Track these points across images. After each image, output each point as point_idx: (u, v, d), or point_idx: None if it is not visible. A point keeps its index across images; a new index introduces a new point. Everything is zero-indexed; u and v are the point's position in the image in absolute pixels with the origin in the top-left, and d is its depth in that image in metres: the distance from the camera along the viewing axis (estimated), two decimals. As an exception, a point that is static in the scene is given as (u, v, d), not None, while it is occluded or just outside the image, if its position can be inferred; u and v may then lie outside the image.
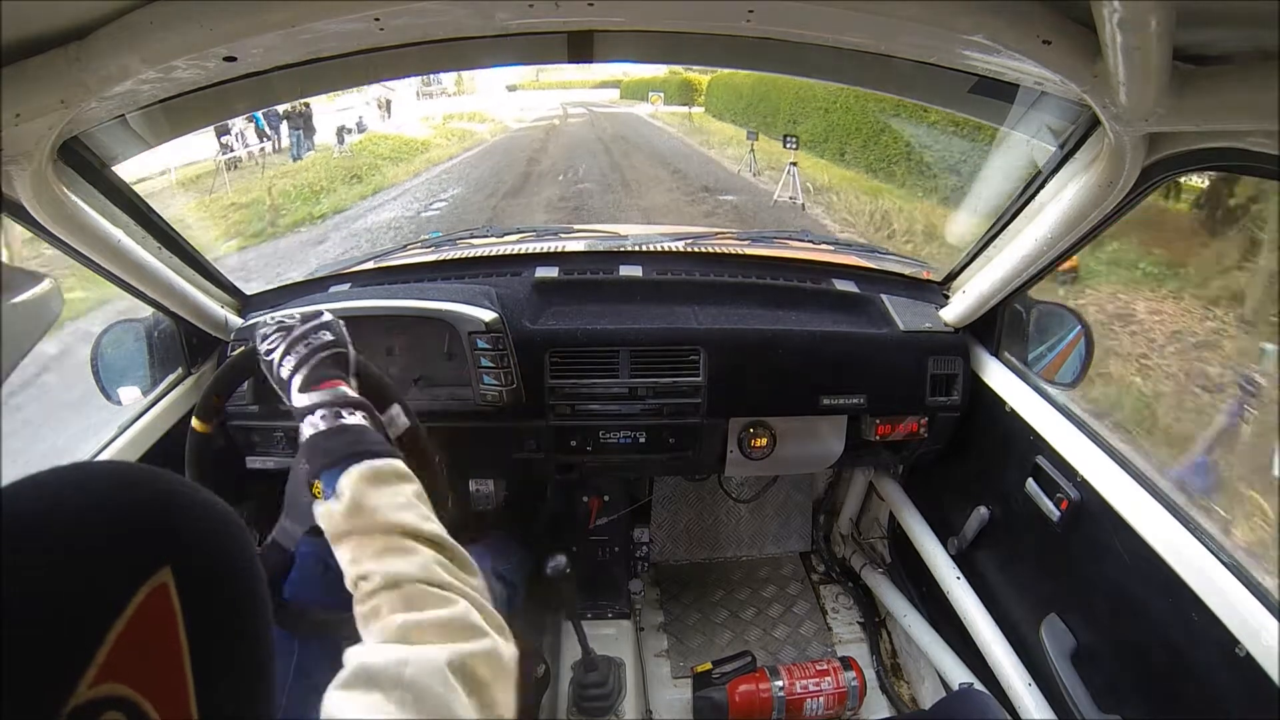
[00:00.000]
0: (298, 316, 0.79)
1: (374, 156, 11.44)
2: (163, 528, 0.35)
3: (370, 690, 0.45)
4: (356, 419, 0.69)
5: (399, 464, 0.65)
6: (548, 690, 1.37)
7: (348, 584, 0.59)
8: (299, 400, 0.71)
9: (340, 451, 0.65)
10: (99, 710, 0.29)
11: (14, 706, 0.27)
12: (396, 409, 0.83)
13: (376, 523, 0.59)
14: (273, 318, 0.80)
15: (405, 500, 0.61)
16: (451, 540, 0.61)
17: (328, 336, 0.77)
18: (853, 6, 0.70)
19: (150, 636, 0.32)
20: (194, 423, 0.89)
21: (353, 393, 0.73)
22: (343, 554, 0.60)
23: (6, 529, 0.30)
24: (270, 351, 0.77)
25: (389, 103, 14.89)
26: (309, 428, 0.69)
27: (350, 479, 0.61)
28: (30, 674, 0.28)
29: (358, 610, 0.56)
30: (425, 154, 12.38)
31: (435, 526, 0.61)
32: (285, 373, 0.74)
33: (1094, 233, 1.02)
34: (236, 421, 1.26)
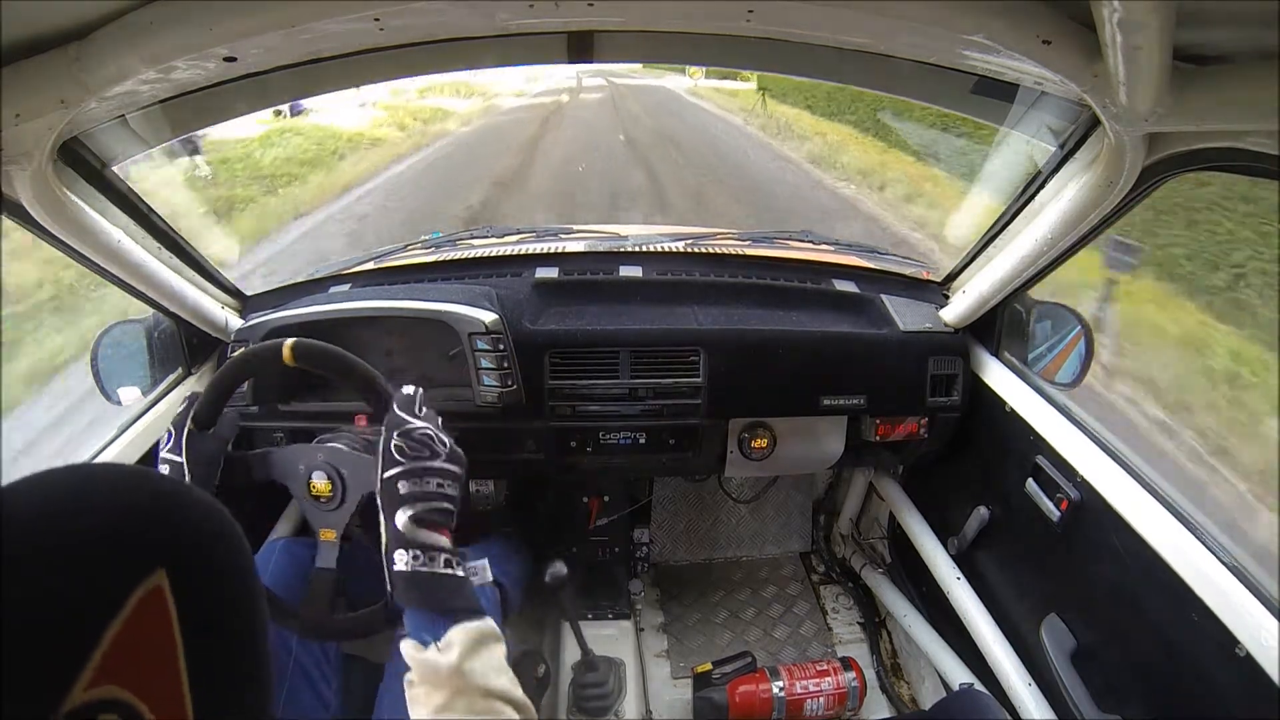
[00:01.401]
0: (446, 447, 0.77)
1: (248, 174, 6.33)
2: (158, 530, 0.35)
3: None
4: (459, 572, 0.72)
5: (495, 627, 0.70)
6: (548, 690, 1.36)
7: None
8: (404, 527, 0.71)
9: (446, 601, 0.69)
10: (94, 713, 0.29)
11: (9, 709, 0.27)
12: (484, 563, 0.87)
13: (477, 685, 0.64)
14: (425, 427, 0.77)
15: (500, 664, 0.67)
16: (527, 701, 0.66)
17: (455, 492, 0.76)
18: (853, 6, 0.70)
19: (146, 638, 0.32)
20: (190, 424, 0.89)
21: (451, 546, 0.74)
22: (428, 697, 0.64)
23: (2, 531, 0.30)
24: (402, 454, 0.74)
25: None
26: (407, 559, 0.70)
27: (460, 635, 0.66)
28: (25, 676, 0.28)
29: None
30: (333, 168, 7.27)
31: (519, 692, 0.66)
32: (402, 490, 0.72)
33: (1094, 233, 1.02)
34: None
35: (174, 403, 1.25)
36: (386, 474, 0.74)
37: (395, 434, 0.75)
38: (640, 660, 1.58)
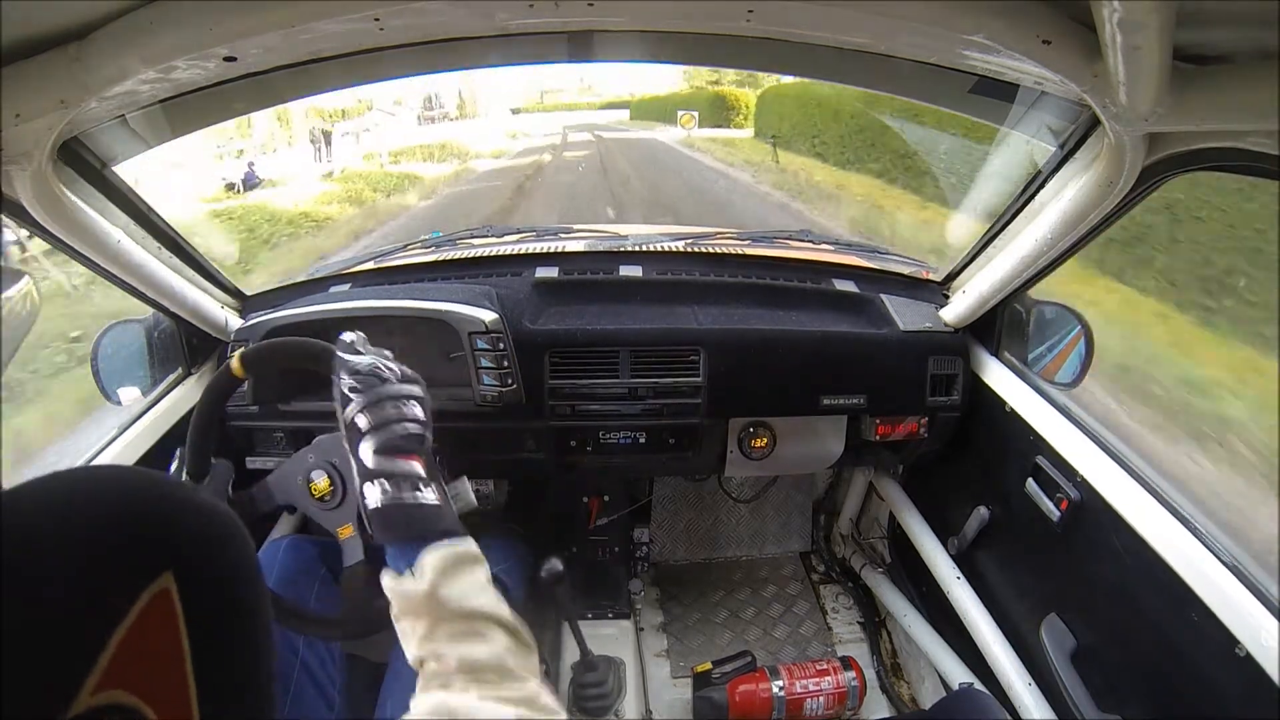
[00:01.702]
0: (396, 372, 0.76)
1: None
2: (164, 533, 0.35)
3: None
4: (430, 496, 0.69)
5: (474, 547, 0.67)
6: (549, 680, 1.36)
7: (410, 658, 0.61)
8: (370, 460, 0.69)
9: (418, 528, 0.66)
10: (101, 717, 0.29)
11: (16, 713, 0.27)
12: (464, 484, 0.84)
13: (455, 608, 0.61)
14: (371, 359, 0.76)
15: (482, 584, 0.64)
16: (517, 622, 0.63)
17: (418, 412, 0.74)
18: (853, 6, 0.70)
19: (152, 642, 0.32)
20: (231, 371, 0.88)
21: (424, 471, 0.71)
22: (413, 628, 0.62)
23: (7, 534, 0.30)
24: (354, 390, 0.73)
25: (326, 136, 10.20)
26: (377, 493, 0.67)
27: (433, 559, 0.62)
28: (32, 681, 0.28)
29: (421, 682, 0.58)
30: (255, 262, 5.72)
31: (507, 610, 0.63)
32: (361, 424, 0.71)
33: (1094, 233, 1.02)
34: (236, 422, 1.26)
35: (175, 402, 1.25)
36: (345, 414, 0.72)
37: (342, 374, 0.74)
38: (640, 660, 1.58)
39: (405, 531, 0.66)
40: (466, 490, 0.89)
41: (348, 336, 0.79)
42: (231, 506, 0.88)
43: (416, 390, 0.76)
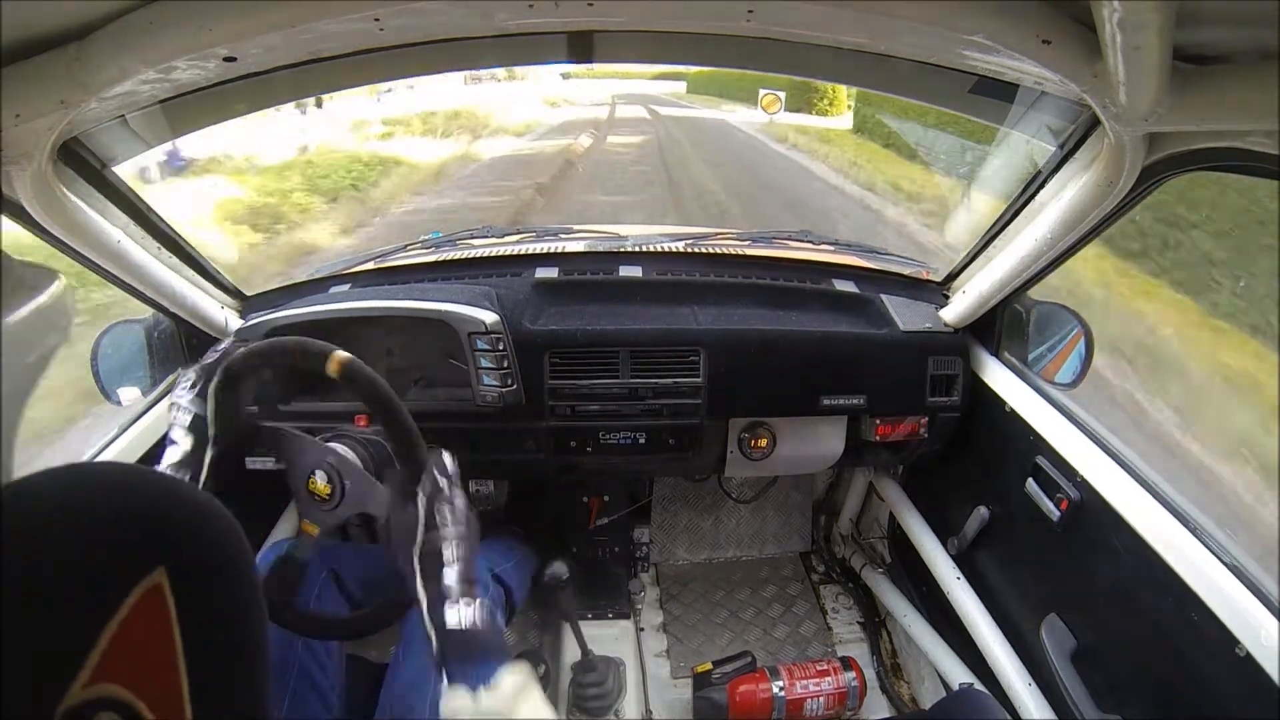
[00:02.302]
0: (473, 520, 0.79)
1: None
2: (157, 528, 0.35)
3: None
4: (496, 628, 0.75)
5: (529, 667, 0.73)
6: (548, 690, 1.37)
7: None
8: (456, 589, 0.74)
9: (487, 651, 0.71)
10: (93, 711, 0.29)
11: (7, 707, 0.27)
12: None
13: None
14: (462, 501, 0.79)
15: (544, 705, 0.69)
16: None
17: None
18: (852, 6, 0.70)
19: (144, 637, 0.32)
20: (220, 375, 0.87)
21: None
22: None
23: (1, 530, 0.30)
24: (445, 524, 0.77)
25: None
26: (459, 615, 0.72)
27: (511, 680, 0.68)
28: (23, 675, 0.28)
29: None
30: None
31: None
32: (449, 557, 0.75)
33: (1094, 233, 1.02)
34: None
35: None
36: (428, 536, 0.76)
37: (438, 501, 0.78)
38: (640, 660, 1.58)
39: (478, 654, 0.71)
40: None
41: (447, 457, 0.81)
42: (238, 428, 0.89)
43: (478, 530, 0.80)
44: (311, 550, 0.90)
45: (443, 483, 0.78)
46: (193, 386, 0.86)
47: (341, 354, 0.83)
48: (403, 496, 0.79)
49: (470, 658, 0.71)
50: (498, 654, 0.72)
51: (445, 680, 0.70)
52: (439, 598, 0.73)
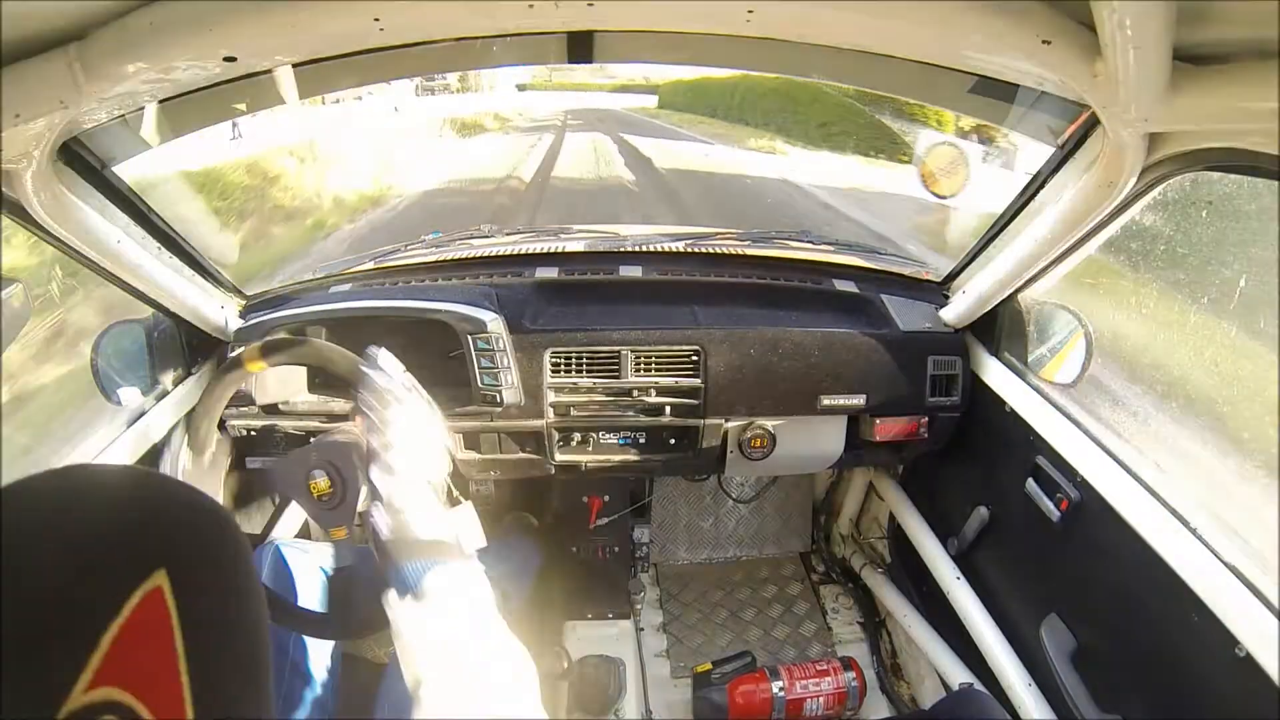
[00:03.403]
0: (419, 398, 0.79)
1: None
2: (158, 530, 0.35)
3: None
4: (438, 526, 0.72)
5: (478, 571, 0.70)
6: (548, 690, 1.36)
7: (408, 678, 0.62)
8: (383, 484, 0.71)
9: (423, 553, 0.68)
10: (94, 715, 0.29)
11: (8, 711, 0.27)
12: (470, 511, 0.85)
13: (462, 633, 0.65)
14: (397, 382, 0.78)
15: (486, 608, 0.68)
16: (520, 648, 0.68)
17: (436, 441, 0.78)
18: (852, 7, 0.70)
19: (145, 640, 0.31)
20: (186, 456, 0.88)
21: (434, 498, 0.75)
22: (414, 648, 0.63)
23: (1, 532, 0.30)
24: (374, 412, 0.75)
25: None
26: (386, 518, 0.69)
27: (435, 582, 0.65)
28: (24, 679, 0.28)
29: (421, 703, 0.60)
30: None
31: (507, 635, 0.68)
32: (379, 445, 0.73)
33: (1094, 233, 1.02)
34: (236, 422, 1.26)
35: (175, 402, 1.25)
36: (364, 433, 0.75)
37: (369, 394, 0.76)
38: (640, 660, 1.58)
39: (412, 556, 0.67)
40: (475, 526, 0.90)
41: (374, 351, 0.80)
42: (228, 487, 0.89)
43: (438, 422, 0.78)
44: (350, 554, 0.90)
45: (376, 377, 0.77)
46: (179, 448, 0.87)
47: (250, 348, 0.84)
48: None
49: (400, 560, 0.67)
50: (431, 555, 0.67)
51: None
52: (375, 495, 0.71)
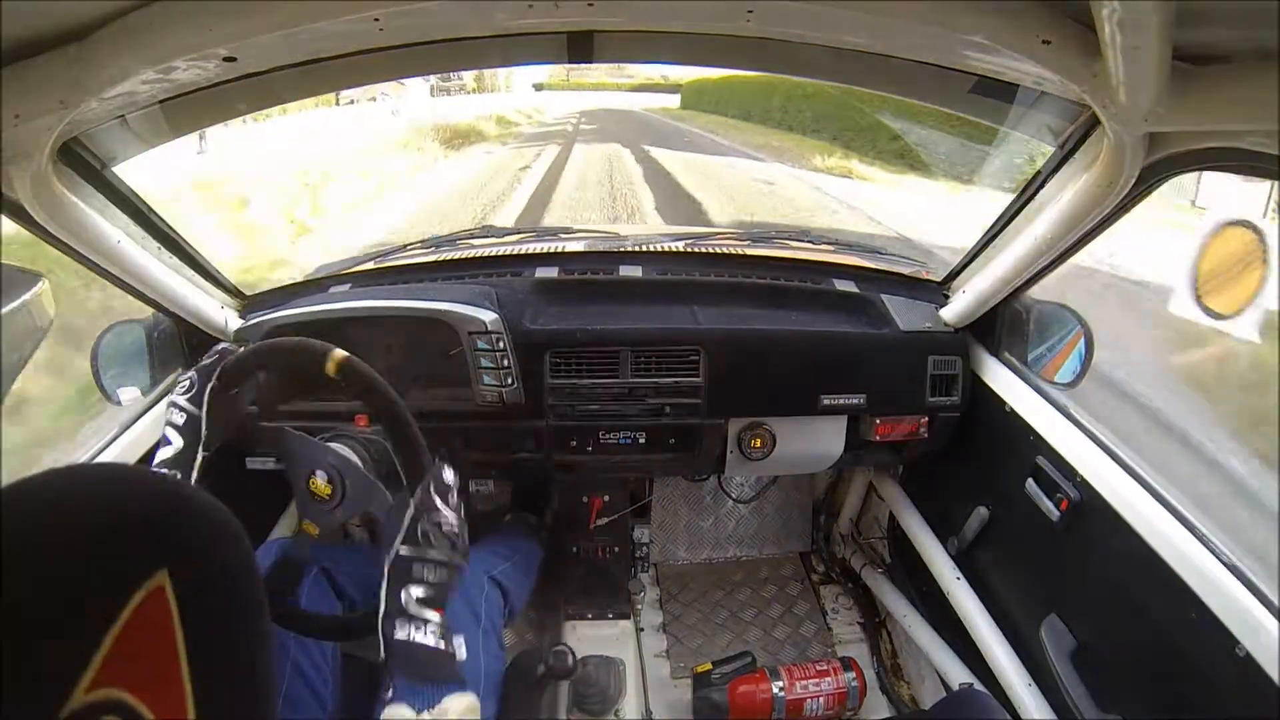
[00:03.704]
0: (464, 544, 0.80)
1: None
2: (160, 530, 0.35)
3: None
4: (449, 647, 0.76)
5: (476, 699, 0.75)
6: (547, 690, 1.36)
7: None
8: (408, 604, 0.75)
9: (439, 674, 0.74)
10: (95, 714, 0.29)
11: (10, 712, 0.27)
12: (462, 639, 0.86)
13: None
14: (453, 526, 0.79)
15: None
16: None
17: (457, 579, 0.80)
18: (853, 6, 0.70)
19: (147, 640, 0.31)
20: (215, 379, 0.88)
21: (443, 621, 0.77)
22: None
23: (3, 532, 0.30)
24: (425, 539, 0.77)
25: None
26: (408, 630, 0.73)
27: (455, 704, 0.72)
28: (26, 678, 0.28)
29: None
30: None
31: None
32: (414, 571, 0.76)
33: (1094, 233, 1.02)
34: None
35: None
36: (405, 551, 0.77)
37: (425, 518, 0.78)
38: (640, 660, 1.58)
39: (426, 672, 0.73)
40: (462, 645, 0.92)
41: (449, 476, 0.81)
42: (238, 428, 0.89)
43: (465, 566, 0.81)
44: (310, 550, 0.90)
45: (435, 500, 0.79)
46: (189, 388, 0.86)
47: (340, 353, 0.83)
48: (400, 501, 0.80)
49: (417, 675, 0.73)
50: (448, 678, 0.73)
51: (390, 692, 0.72)
52: (394, 610, 0.74)
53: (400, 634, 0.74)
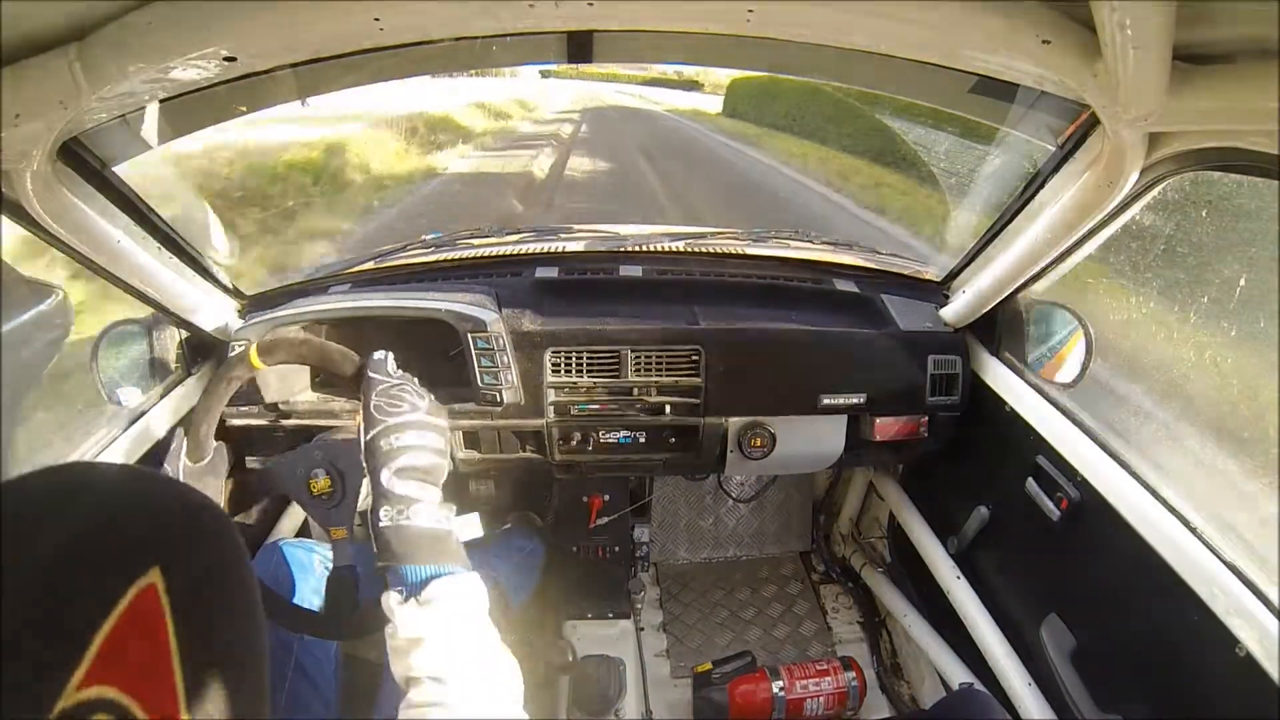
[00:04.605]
0: (425, 399, 0.77)
1: None
2: (152, 528, 0.35)
3: None
4: (442, 526, 0.71)
5: (478, 581, 0.69)
6: (548, 690, 1.37)
7: (398, 677, 0.65)
8: (388, 483, 0.70)
9: (426, 555, 0.68)
10: (87, 713, 0.29)
11: (1, 709, 0.27)
12: (474, 518, 0.85)
13: (459, 639, 0.64)
14: (401, 382, 0.77)
15: (484, 618, 0.67)
16: (511, 658, 0.67)
17: (439, 442, 0.76)
18: (853, 7, 0.70)
19: (139, 638, 0.31)
20: (185, 461, 0.89)
21: (437, 500, 0.73)
22: (409, 650, 0.64)
23: None
24: (381, 412, 0.74)
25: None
26: (391, 514, 0.69)
27: (441, 589, 0.65)
28: (17, 677, 0.28)
29: (409, 702, 0.62)
30: None
31: (501, 647, 0.67)
32: (384, 446, 0.72)
33: (1094, 233, 1.02)
34: (235, 421, 1.26)
35: (175, 402, 1.25)
36: (369, 434, 0.74)
37: (373, 394, 0.75)
38: (640, 660, 1.58)
39: (413, 557, 0.67)
40: (475, 522, 0.89)
41: (379, 354, 0.80)
42: (231, 488, 0.90)
43: (441, 421, 0.77)
44: (351, 553, 0.90)
45: (376, 377, 0.77)
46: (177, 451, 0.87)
47: (251, 346, 0.85)
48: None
49: (405, 559, 0.67)
50: (442, 559, 0.67)
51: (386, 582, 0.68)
52: (377, 496, 0.71)
53: (384, 520, 0.68)
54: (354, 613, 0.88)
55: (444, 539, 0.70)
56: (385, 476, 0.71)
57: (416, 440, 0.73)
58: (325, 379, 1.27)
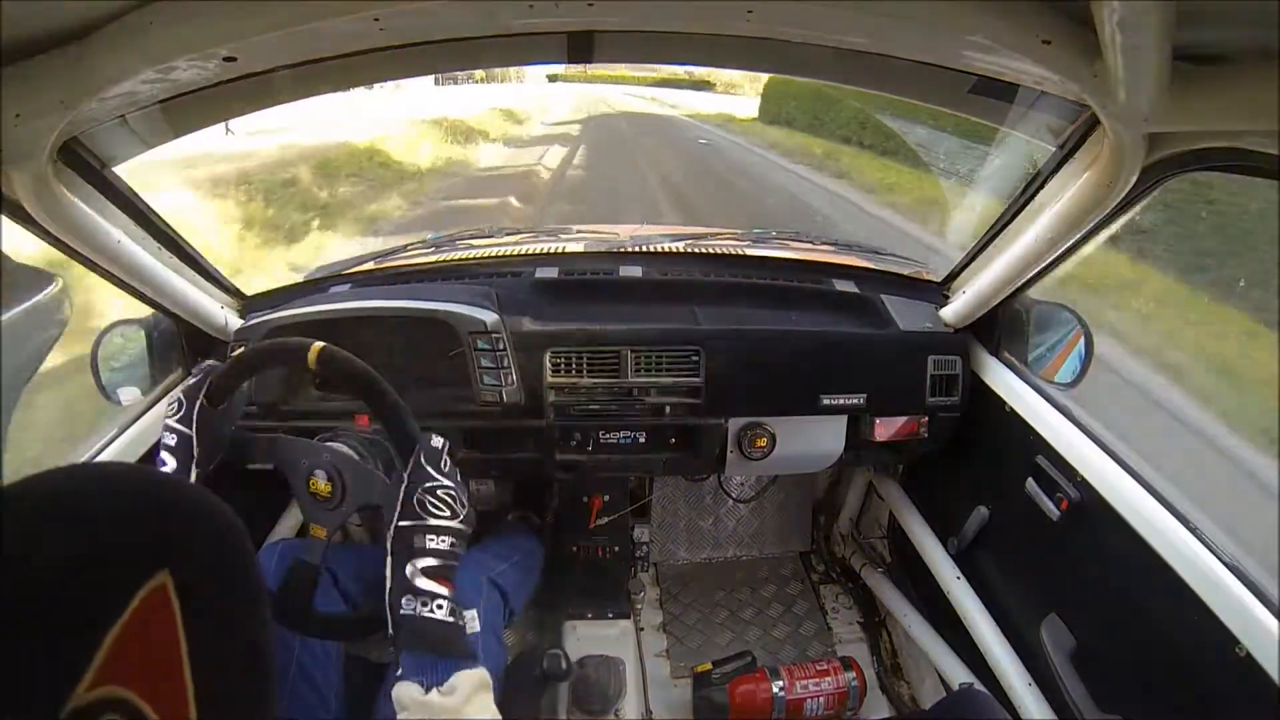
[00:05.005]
0: (465, 507, 0.78)
1: None
2: (161, 529, 0.35)
3: None
4: (462, 621, 0.75)
5: (488, 674, 0.72)
6: (547, 690, 1.36)
7: None
8: (414, 578, 0.73)
9: (445, 647, 0.72)
10: (97, 713, 0.29)
11: (11, 710, 0.27)
12: (474, 613, 0.85)
13: None
14: (453, 487, 0.77)
15: (493, 710, 0.70)
16: None
17: (463, 548, 0.78)
18: (852, 7, 0.70)
19: (149, 638, 0.32)
20: (203, 398, 0.88)
21: (454, 595, 0.76)
22: None
23: (4, 530, 0.30)
24: (427, 512, 0.75)
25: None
26: (415, 605, 0.72)
27: (465, 681, 0.69)
28: (28, 677, 0.28)
29: None
30: None
31: None
32: (416, 543, 0.74)
33: (1094, 233, 1.02)
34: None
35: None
36: (404, 523, 0.75)
37: (420, 488, 0.76)
38: (640, 660, 1.58)
39: (435, 647, 0.71)
40: (474, 619, 0.90)
41: (437, 442, 0.80)
42: (231, 443, 0.89)
43: (469, 531, 0.79)
44: (321, 553, 0.90)
45: (428, 468, 0.77)
46: (178, 410, 0.86)
47: (317, 344, 0.83)
48: (395, 479, 0.78)
49: (426, 651, 0.71)
50: (458, 653, 0.71)
51: (400, 671, 0.70)
52: (399, 585, 0.73)
53: (407, 609, 0.72)
54: (306, 610, 0.88)
55: (460, 632, 0.74)
56: (410, 570, 0.73)
57: (448, 546, 0.75)
58: (329, 389, 1.26)
